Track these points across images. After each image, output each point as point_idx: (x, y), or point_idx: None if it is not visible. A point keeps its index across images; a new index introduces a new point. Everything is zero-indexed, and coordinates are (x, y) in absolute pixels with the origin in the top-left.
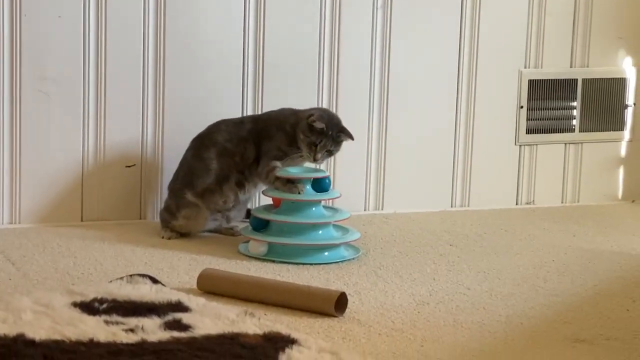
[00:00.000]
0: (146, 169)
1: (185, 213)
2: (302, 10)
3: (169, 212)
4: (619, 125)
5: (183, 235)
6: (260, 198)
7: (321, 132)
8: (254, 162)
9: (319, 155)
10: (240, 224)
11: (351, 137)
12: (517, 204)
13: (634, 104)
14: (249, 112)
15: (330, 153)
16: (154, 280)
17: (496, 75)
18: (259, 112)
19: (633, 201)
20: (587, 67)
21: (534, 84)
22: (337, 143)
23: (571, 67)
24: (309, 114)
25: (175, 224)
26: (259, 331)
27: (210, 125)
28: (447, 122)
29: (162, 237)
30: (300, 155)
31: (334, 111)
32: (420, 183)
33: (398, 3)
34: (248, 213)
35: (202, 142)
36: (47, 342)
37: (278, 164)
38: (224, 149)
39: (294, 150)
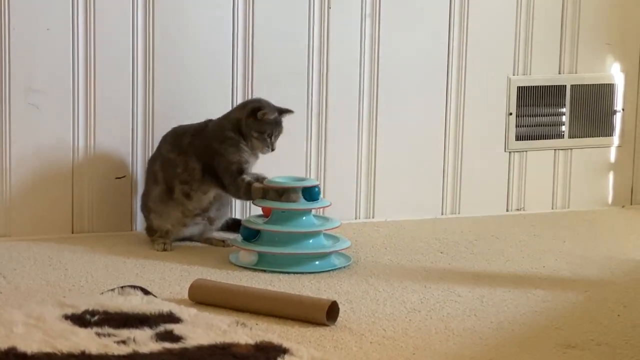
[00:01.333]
0: (136, 181)
1: (154, 216)
2: (291, 11)
3: (146, 214)
4: (608, 131)
5: (175, 246)
6: (251, 208)
7: (273, 121)
8: (203, 175)
9: (275, 144)
10: (228, 235)
11: (291, 111)
12: (507, 210)
13: (623, 110)
14: None
15: (278, 136)
16: (145, 292)
17: (485, 82)
18: None
19: (623, 206)
20: (576, 73)
21: (522, 91)
22: (281, 125)
23: (560, 73)
24: (251, 107)
25: (153, 224)
26: (251, 341)
27: (163, 136)
28: (437, 129)
29: (157, 250)
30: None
31: (324, 119)
32: (410, 191)
33: (386, 12)
34: (237, 225)
35: (153, 155)
36: (39, 355)
37: (247, 177)
38: (167, 159)
39: (246, 150)
